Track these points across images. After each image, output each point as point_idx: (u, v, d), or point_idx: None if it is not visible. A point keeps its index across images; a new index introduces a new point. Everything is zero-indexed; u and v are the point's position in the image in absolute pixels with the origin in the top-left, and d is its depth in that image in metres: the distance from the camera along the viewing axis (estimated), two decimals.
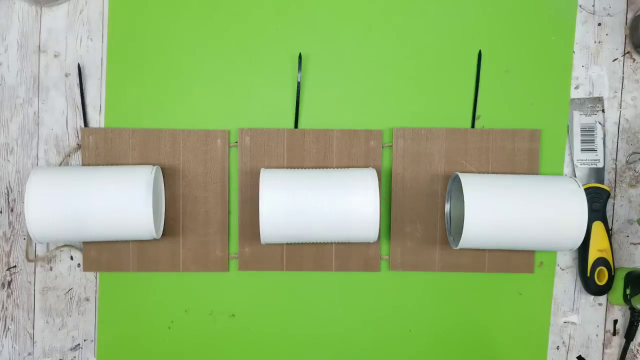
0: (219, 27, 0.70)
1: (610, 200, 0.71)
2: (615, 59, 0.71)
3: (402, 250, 0.70)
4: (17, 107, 0.70)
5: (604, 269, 0.68)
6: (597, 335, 0.71)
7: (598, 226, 0.69)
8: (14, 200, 0.71)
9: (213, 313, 0.71)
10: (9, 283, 0.71)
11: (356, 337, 0.71)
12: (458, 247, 0.63)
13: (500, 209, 0.61)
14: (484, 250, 0.69)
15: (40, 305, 0.71)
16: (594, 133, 0.70)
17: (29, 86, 0.70)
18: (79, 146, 0.70)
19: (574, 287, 0.71)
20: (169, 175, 0.69)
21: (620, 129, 0.71)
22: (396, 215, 0.69)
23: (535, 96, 0.70)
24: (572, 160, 0.70)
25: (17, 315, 0.71)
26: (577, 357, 0.71)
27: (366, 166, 0.69)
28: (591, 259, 0.68)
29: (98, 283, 0.71)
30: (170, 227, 0.69)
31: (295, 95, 0.70)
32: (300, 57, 0.69)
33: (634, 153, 0.71)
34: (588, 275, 0.69)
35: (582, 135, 0.70)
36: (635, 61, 0.71)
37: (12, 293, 0.71)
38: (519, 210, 0.61)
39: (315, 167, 0.69)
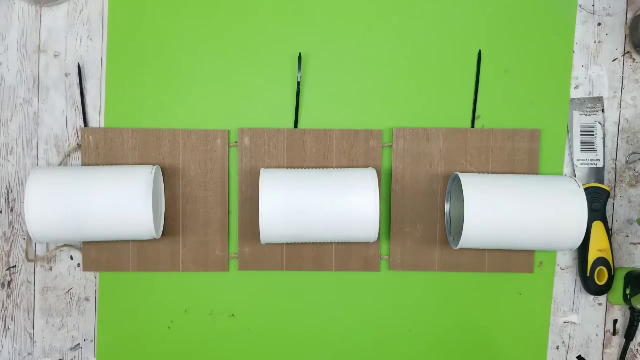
0: (219, 27, 0.70)
1: (610, 200, 0.71)
2: (615, 59, 0.71)
3: (402, 250, 0.70)
4: (17, 107, 0.70)
5: (604, 269, 0.68)
6: (597, 335, 0.71)
7: (598, 226, 0.69)
8: (14, 200, 0.71)
9: (213, 313, 0.71)
10: (9, 283, 0.71)
11: (356, 337, 0.71)
12: (458, 247, 0.63)
13: (500, 209, 0.61)
14: (484, 250, 0.69)
15: (40, 305, 0.71)
16: (594, 133, 0.70)
17: (29, 86, 0.70)
18: (79, 146, 0.70)
19: (574, 287, 0.71)
20: (169, 175, 0.69)
21: (620, 129, 0.71)
22: (396, 215, 0.69)
23: (535, 96, 0.70)
24: (572, 160, 0.70)
25: (17, 315, 0.71)
26: (577, 357, 0.71)
27: (366, 166, 0.69)
28: (591, 259, 0.68)
29: (98, 283, 0.71)
30: (170, 227, 0.69)
31: (295, 95, 0.70)
32: (300, 57, 0.69)
33: (634, 153, 0.71)
34: (588, 275, 0.69)
35: (582, 135, 0.70)
36: (635, 61, 0.71)
37: (12, 293, 0.71)
38: (519, 210, 0.61)
39: (315, 167, 0.69)
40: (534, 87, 0.70)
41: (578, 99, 0.70)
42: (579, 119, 0.70)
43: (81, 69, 0.70)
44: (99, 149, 0.69)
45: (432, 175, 0.69)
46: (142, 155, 0.69)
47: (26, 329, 0.71)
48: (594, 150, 0.70)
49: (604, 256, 0.68)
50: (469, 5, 0.70)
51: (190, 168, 0.69)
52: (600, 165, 0.70)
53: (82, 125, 0.70)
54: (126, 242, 0.69)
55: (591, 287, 0.69)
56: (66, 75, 0.70)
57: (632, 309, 0.68)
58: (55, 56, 0.70)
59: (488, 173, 0.69)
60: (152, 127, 0.70)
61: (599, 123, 0.70)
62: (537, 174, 0.69)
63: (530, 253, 0.70)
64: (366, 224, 0.61)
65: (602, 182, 0.70)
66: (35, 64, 0.70)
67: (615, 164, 0.71)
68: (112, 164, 0.68)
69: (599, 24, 0.71)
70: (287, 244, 0.69)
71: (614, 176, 0.71)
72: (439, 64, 0.70)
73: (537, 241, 0.62)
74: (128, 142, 0.69)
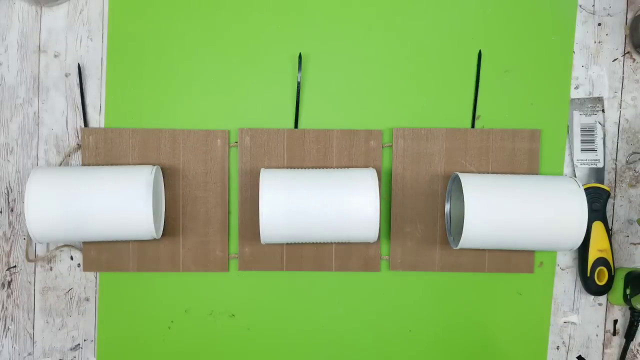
0: (218, 27, 0.70)
1: (610, 200, 0.71)
2: (615, 59, 0.71)
3: (402, 250, 0.70)
4: (17, 107, 0.70)
5: (604, 269, 0.68)
6: (597, 335, 0.71)
7: (598, 226, 0.69)
8: (14, 200, 0.71)
9: (213, 313, 0.71)
10: (9, 283, 0.71)
11: (356, 337, 0.71)
12: (458, 247, 0.63)
13: (500, 209, 0.61)
14: (484, 250, 0.69)
15: (40, 305, 0.71)
16: (594, 133, 0.70)
17: (29, 86, 0.70)
18: (79, 146, 0.70)
19: (574, 287, 0.71)
20: (169, 175, 0.69)
21: (620, 129, 0.71)
22: (396, 215, 0.69)
23: (535, 96, 0.70)
24: (572, 160, 0.70)
25: (17, 315, 0.71)
26: (577, 357, 0.71)
27: (366, 166, 0.69)
28: (591, 259, 0.68)
29: (98, 283, 0.71)
30: (170, 227, 0.69)
31: (295, 95, 0.70)
32: (300, 57, 0.69)
33: (634, 153, 0.71)
34: (588, 275, 0.69)
35: (582, 135, 0.70)
36: (635, 61, 0.71)
37: (12, 293, 0.71)
38: (519, 210, 0.61)
39: (315, 167, 0.69)
40: (534, 87, 0.70)
41: (578, 99, 0.70)
42: (579, 119, 0.70)
43: (81, 69, 0.70)
44: (99, 149, 0.69)
45: (432, 175, 0.69)
46: (142, 155, 0.69)
47: (26, 329, 0.71)
48: (594, 150, 0.70)
49: (604, 256, 0.68)
50: (469, 5, 0.70)
51: (190, 168, 0.69)
52: (600, 165, 0.70)
53: (82, 125, 0.70)
54: (126, 242, 0.69)
55: (591, 287, 0.69)
56: (66, 75, 0.70)
57: (632, 309, 0.68)
58: (55, 56, 0.70)
59: (488, 173, 0.69)
60: (152, 127, 0.70)
61: (599, 123, 0.70)
62: (537, 174, 0.69)
63: (530, 253, 0.70)
64: (366, 224, 0.61)
65: (602, 182, 0.70)
66: (35, 64, 0.70)
67: (615, 164, 0.71)
68: (112, 164, 0.68)
69: (599, 24, 0.71)
70: (287, 244, 0.69)
71: (614, 176, 0.71)
72: (439, 64, 0.70)
73: (537, 241, 0.62)
74: (128, 142, 0.69)
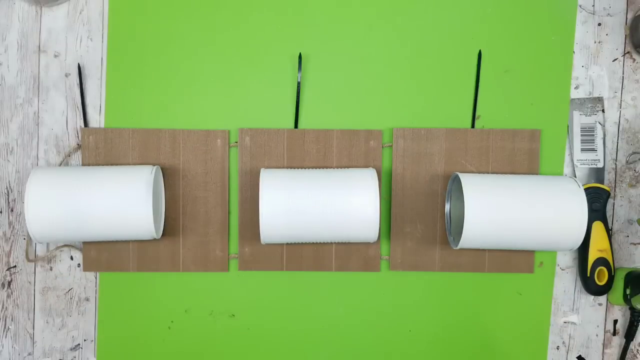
0: (219, 27, 0.70)
1: (610, 200, 0.71)
2: (615, 59, 0.71)
3: (402, 250, 0.70)
4: (17, 107, 0.70)
5: (604, 269, 0.68)
6: (597, 335, 0.71)
7: (598, 226, 0.69)
8: (14, 200, 0.71)
9: (213, 313, 0.71)
10: (9, 283, 0.71)
11: (356, 337, 0.71)
12: (458, 247, 0.63)
13: (500, 209, 0.61)
14: (484, 250, 0.69)
15: (40, 305, 0.71)
16: (594, 133, 0.70)
17: (29, 86, 0.70)
18: (79, 146, 0.70)
19: (574, 287, 0.71)
20: (169, 175, 0.69)
21: (620, 129, 0.71)
22: (396, 215, 0.69)
23: (535, 96, 0.70)
24: (572, 160, 0.70)
25: (17, 315, 0.71)
26: (577, 357, 0.71)
27: (366, 166, 0.69)
28: (591, 259, 0.68)
29: (98, 283, 0.71)
30: (170, 227, 0.69)
31: (295, 95, 0.70)
32: (300, 57, 0.69)
33: (634, 153, 0.71)
34: (588, 275, 0.69)
35: (582, 135, 0.70)
36: (635, 61, 0.71)
37: (12, 293, 0.71)
38: (519, 210, 0.61)
39: (315, 167, 0.69)
40: (534, 87, 0.70)
41: (578, 99, 0.70)
42: (579, 119, 0.70)
43: (81, 69, 0.70)
44: (99, 149, 0.69)
45: (432, 175, 0.69)
46: (142, 155, 0.69)
47: (26, 329, 0.71)
48: (594, 150, 0.70)
49: (604, 256, 0.68)
50: (469, 5, 0.70)
51: (190, 168, 0.69)
52: (600, 165, 0.70)
53: (82, 125, 0.70)
54: (126, 242, 0.69)
55: (591, 287, 0.69)
56: (66, 75, 0.70)
57: (632, 309, 0.68)
58: (55, 56, 0.70)
59: (488, 173, 0.69)
60: (152, 127, 0.70)
61: (599, 123, 0.70)
62: (537, 174, 0.69)
63: (530, 253, 0.70)
64: (366, 224, 0.61)
65: (602, 182, 0.70)
66: (35, 64, 0.70)
67: (615, 164, 0.71)
68: (112, 164, 0.68)
69: (599, 24, 0.71)
70: (287, 244, 0.69)
71: (614, 176, 0.71)
72: (439, 64, 0.70)
73: (537, 241, 0.62)
74: (128, 142, 0.69)
